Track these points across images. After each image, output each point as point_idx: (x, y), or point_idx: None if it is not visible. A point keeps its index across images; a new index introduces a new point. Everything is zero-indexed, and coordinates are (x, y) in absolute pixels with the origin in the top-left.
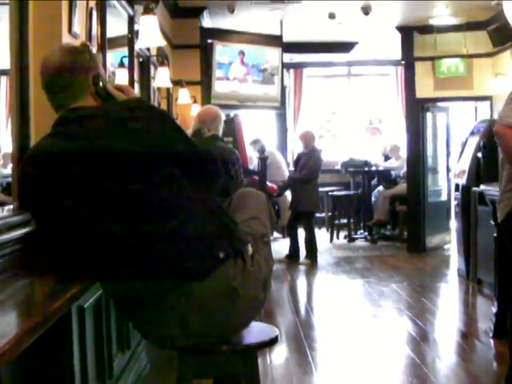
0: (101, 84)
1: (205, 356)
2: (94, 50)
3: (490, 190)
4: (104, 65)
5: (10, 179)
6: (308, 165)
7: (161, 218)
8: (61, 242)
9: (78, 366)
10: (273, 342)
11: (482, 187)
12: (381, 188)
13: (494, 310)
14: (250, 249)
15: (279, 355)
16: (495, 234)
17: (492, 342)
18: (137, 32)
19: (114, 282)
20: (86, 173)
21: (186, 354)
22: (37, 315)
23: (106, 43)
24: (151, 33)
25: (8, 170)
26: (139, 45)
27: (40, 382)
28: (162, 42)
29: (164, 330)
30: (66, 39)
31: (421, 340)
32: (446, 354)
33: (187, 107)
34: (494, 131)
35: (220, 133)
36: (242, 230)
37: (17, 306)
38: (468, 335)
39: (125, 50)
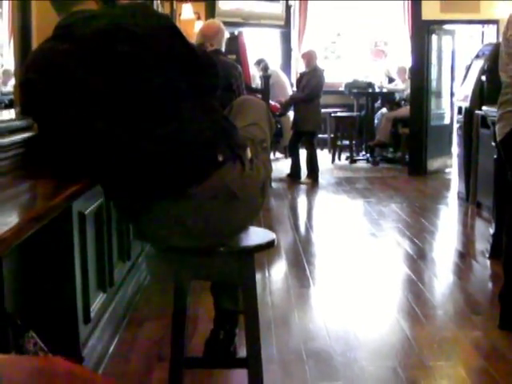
0: None
1: (202, 257)
2: None
3: (493, 111)
4: None
5: (11, 96)
6: (310, 84)
7: (161, 120)
8: (62, 145)
9: (79, 273)
10: (269, 245)
11: (485, 108)
12: (384, 110)
13: (492, 231)
14: (249, 153)
15: (278, 269)
16: (495, 156)
17: (488, 262)
18: None
19: (114, 184)
20: (85, 75)
21: (184, 255)
22: (38, 208)
23: None
24: None
25: (8, 88)
26: None
27: (42, 289)
28: None
29: (163, 232)
30: None
31: (418, 258)
32: (442, 273)
33: (190, 23)
34: None
35: (223, 48)
36: (241, 135)
37: (19, 206)
38: (465, 255)
39: None
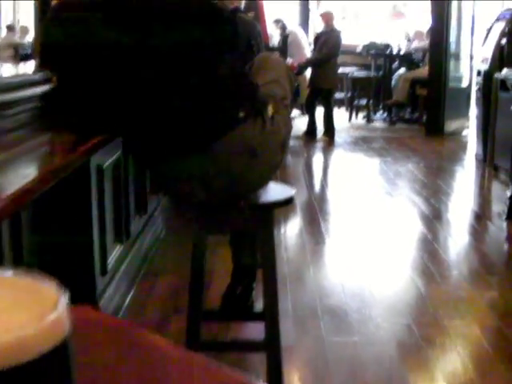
0: None
1: (221, 212)
2: None
3: None
4: None
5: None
6: (327, 44)
7: (182, 74)
8: (82, 97)
9: (97, 226)
10: (288, 201)
11: (504, 71)
12: (402, 71)
13: (509, 193)
14: (270, 110)
15: (293, 226)
16: None
17: (505, 224)
18: None
19: (134, 138)
20: (107, 26)
21: (203, 209)
22: (57, 161)
23: None
24: None
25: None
26: None
27: (59, 241)
28: None
29: (182, 186)
30: None
31: (434, 218)
32: (458, 233)
33: None
34: None
35: (242, 6)
36: (262, 92)
37: (37, 159)
38: (481, 217)
39: None
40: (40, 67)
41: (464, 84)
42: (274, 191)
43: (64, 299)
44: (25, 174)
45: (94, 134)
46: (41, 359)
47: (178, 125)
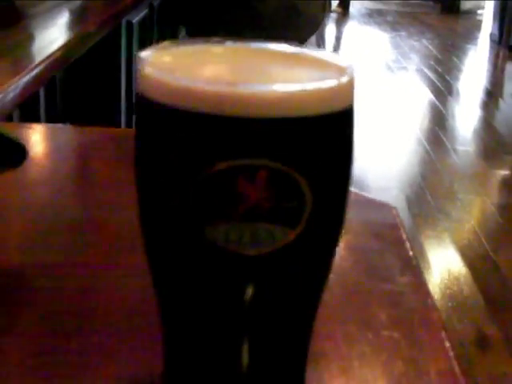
0: None
1: None
2: None
3: None
4: None
5: None
6: None
7: None
8: None
9: (124, 80)
10: None
11: None
12: None
13: None
14: None
15: None
16: None
17: None
18: None
19: None
20: None
21: None
22: (89, 24)
23: None
24: None
25: None
26: None
27: (90, 100)
28: None
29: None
30: None
31: (448, 94)
32: (470, 108)
33: None
34: None
35: None
36: None
37: (70, 12)
38: (493, 94)
39: None
40: None
41: None
42: None
43: (353, 69)
44: (58, 34)
45: None
46: (341, 113)
47: None
